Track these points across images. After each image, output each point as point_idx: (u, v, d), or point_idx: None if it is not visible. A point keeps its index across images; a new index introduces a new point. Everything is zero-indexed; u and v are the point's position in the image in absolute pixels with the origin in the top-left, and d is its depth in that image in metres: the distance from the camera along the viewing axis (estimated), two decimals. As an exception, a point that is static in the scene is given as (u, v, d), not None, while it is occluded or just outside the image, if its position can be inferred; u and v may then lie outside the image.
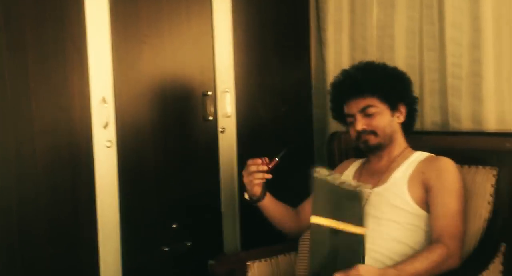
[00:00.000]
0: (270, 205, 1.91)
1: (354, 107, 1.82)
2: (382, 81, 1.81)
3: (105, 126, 1.90)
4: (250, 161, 1.84)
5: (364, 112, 1.80)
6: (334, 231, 1.51)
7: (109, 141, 1.92)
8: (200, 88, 2.14)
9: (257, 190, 1.86)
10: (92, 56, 1.87)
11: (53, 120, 1.83)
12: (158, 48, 2.04)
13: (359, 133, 1.81)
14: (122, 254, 1.96)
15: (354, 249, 1.49)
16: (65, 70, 1.84)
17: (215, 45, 2.16)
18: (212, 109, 2.15)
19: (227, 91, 2.19)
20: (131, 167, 1.98)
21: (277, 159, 1.85)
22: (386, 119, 1.81)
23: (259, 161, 1.81)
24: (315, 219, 1.56)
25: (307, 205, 1.94)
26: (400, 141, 1.87)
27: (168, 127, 2.08)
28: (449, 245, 1.58)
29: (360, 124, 1.80)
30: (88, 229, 1.90)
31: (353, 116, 1.82)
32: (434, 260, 1.55)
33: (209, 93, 2.14)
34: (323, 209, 1.55)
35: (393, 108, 1.83)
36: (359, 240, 1.49)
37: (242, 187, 2.22)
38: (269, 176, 1.83)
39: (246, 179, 1.85)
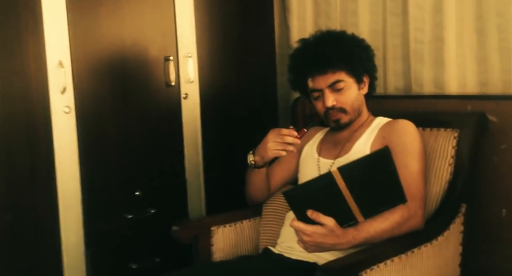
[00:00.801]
0: (265, 172, 1.88)
1: (322, 82, 1.77)
2: (350, 54, 1.77)
3: (63, 91, 1.85)
4: (286, 131, 1.72)
5: (333, 87, 1.76)
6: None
7: (67, 106, 1.87)
8: (162, 53, 2.09)
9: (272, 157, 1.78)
10: (47, 17, 1.80)
11: (7, 85, 1.77)
12: (117, 10, 1.97)
13: (328, 109, 1.78)
14: (84, 222, 1.93)
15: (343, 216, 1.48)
16: (18, 33, 1.77)
17: (176, 8, 2.11)
18: (174, 75, 2.11)
19: (190, 56, 2.15)
20: (91, 133, 1.94)
21: (306, 130, 1.76)
22: (354, 93, 1.79)
23: (294, 133, 1.71)
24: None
25: (273, 171, 1.93)
26: (364, 111, 1.86)
27: (129, 92, 2.03)
28: (410, 206, 1.57)
29: (330, 99, 1.76)
30: (47, 198, 1.86)
31: (320, 90, 1.78)
32: (394, 220, 1.55)
33: (171, 57, 2.10)
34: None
35: (359, 80, 1.81)
36: (350, 216, 1.48)
37: (206, 153, 2.23)
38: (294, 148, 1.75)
39: (273, 146, 1.72)
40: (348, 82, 1.77)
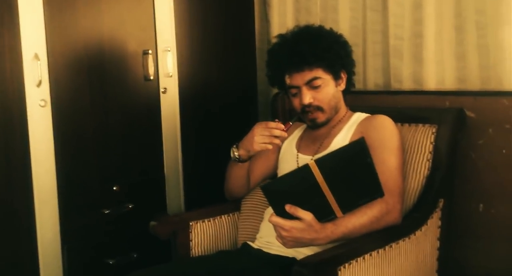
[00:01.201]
0: (247, 166, 1.87)
1: (299, 79, 1.75)
2: (327, 51, 1.75)
3: (38, 85, 1.81)
4: (273, 124, 1.71)
5: (310, 84, 1.75)
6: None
7: (43, 100, 1.83)
8: (140, 46, 2.06)
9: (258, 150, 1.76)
10: (22, 9, 1.76)
11: (-19, 78, 1.74)
12: (94, 2, 1.95)
13: (305, 106, 1.77)
14: (60, 218, 1.91)
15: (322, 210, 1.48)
16: (-7, 25, 1.74)
17: (155, 1, 2.08)
18: (153, 69, 2.09)
19: (168, 50, 2.13)
20: (67, 127, 1.91)
21: (291, 123, 1.75)
22: (331, 90, 1.77)
23: (281, 126, 1.70)
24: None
25: (253, 166, 1.92)
26: (342, 107, 1.85)
27: (106, 86, 2.01)
28: (388, 201, 1.57)
29: (308, 97, 1.75)
30: (23, 193, 1.83)
31: (297, 87, 1.77)
32: (372, 215, 1.55)
33: (150, 51, 2.07)
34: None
35: (337, 77, 1.80)
36: (329, 211, 1.48)
37: (185, 148, 2.21)
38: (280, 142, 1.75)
39: (260, 139, 1.70)
40: (325, 79, 1.76)
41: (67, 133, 1.91)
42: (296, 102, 1.79)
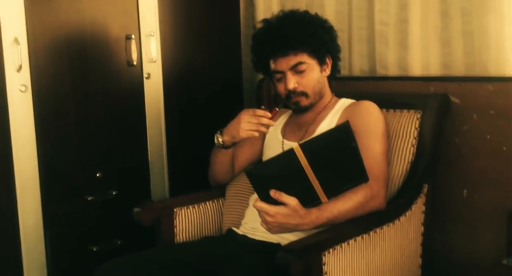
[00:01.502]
0: (231, 153, 1.86)
1: (284, 64, 1.74)
2: (312, 36, 1.74)
3: (18, 70, 1.78)
4: (261, 112, 1.69)
5: (295, 69, 1.74)
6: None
7: (24, 85, 1.80)
8: (123, 31, 2.04)
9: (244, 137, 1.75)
10: (1, -8, 1.73)
11: (-41, 63, 1.70)
12: (75, -15, 1.92)
13: (289, 92, 1.76)
14: (42, 205, 1.89)
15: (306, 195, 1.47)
16: (-29, 8, 1.70)
17: (138, -16, 2.06)
18: (136, 54, 2.06)
19: (152, 35, 2.10)
20: (49, 113, 1.88)
21: (277, 109, 1.74)
22: (315, 76, 1.77)
23: (268, 114, 1.69)
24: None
25: (238, 152, 1.91)
26: (327, 93, 1.85)
27: (88, 71, 1.98)
28: (372, 186, 1.58)
29: (292, 82, 1.74)
30: (4, 180, 1.81)
31: (282, 72, 1.76)
32: (357, 200, 1.55)
33: (133, 36, 2.04)
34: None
35: (322, 62, 1.79)
36: (314, 196, 1.48)
37: (170, 135, 2.19)
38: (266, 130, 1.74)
39: (246, 126, 1.69)
40: (310, 64, 1.75)
41: (49, 119, 1.88)
42: (281, 87, 1.78)
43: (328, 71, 1.82)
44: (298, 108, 1.80)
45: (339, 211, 1.53)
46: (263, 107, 1.73)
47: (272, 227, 1.48)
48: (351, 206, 1.55)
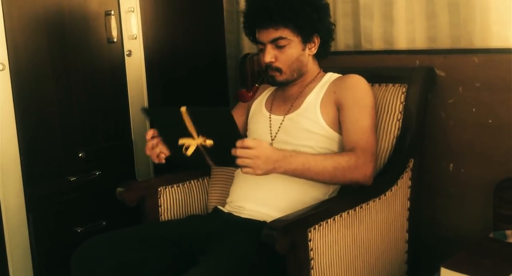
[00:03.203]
0: None
1: (265, 36, 1.72)
2: (296, 12, 1.69)
3: (-5, 47, 1.74)
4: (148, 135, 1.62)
5: (275, 43, 1.71)
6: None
7: (1, 63, 1.77)
8: (102, 7, 1.99)
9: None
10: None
11: None
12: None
13: (266, 65, 1.74)
14: (24, 186, 1.86)
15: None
16: None
17: (116, -44, 2.01)
18: (116, 31, 2.02)
19: (132, 11, 2.06)
20: (28, 92, 1.85)
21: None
22: (295, 53, 1.73)
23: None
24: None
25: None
26: (312, 69, 1.81)
27: (68, 48, 1.93)
28: (358, 156, 1.58)
29: (269, 56, 1.71)
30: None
31: (263, 44, 1.73)
32: (337, 161, 1.55)
33: (112, 12, 2.00)
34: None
35: (306, 40, 1.75)
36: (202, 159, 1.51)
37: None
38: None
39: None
40: (292, 41, 1.71)
41: (28, 98, 1.85)
42: (262, 58, 1.77)
43: (314, 50, 1.78)
44: (273, 82, 1.78)
45: (315, 162, 1.54)
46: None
47: (257, 167, 1.46)
48: (330, 164, 1.55)
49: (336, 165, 1.55)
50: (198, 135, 1.47)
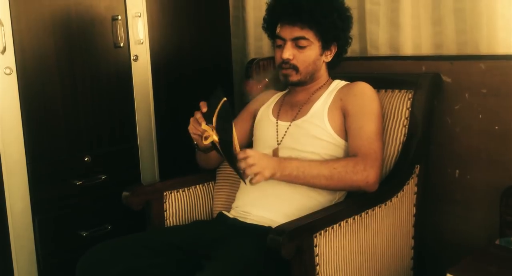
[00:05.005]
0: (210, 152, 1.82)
1: (288, 32, 1.72)
2: (325, 16, 1.70)
3: (3, 51, 1.75)
4: (197, 114, 1.63)
5: (296, 42, 1.71)
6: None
7: (8, 67, 1.77)
8: (109, 12, 2.00)
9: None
10: (-17, -29, 1.69)
11: None
12: (59, -36, 1.87)
13: (283, 61, 1.74)
14: (30, 190, 1.86)
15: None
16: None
17: (124, -38, 2.02)
18: (123, 35, 2.02)
19: (139, 16, 2.06)
20: (35, 96, 1.85)
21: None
22: (313, 56, 1.74)
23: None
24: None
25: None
26: (323, 76, 1.82)
27: (75, 53, 1.94)
28: (358, 161, 1.57)
29: (288, 52, 1.71)
30: (-10, 165, 1.78)
31: (284, 40, 1.73)
32: (335, 165, 1.57)
33: (119, 17, 2.00)
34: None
35: (325, 47, 1.76)
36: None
37: (159, 118, 2.17)
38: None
39: (190, 129, 1.66)
40: (312, 43, 1.72)
41: (35, 102, 1.85)
42: (278, 54, 1.77)
43: (329, 57, 1.79)
44: (286, 81, 1.78)
45: (310, 166, 1.57)
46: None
47: (261, 171, 1.50)
48: (325, 169, 1.57)
49: (331, 170, 1.56)
50: (213, 130, 1.51)
